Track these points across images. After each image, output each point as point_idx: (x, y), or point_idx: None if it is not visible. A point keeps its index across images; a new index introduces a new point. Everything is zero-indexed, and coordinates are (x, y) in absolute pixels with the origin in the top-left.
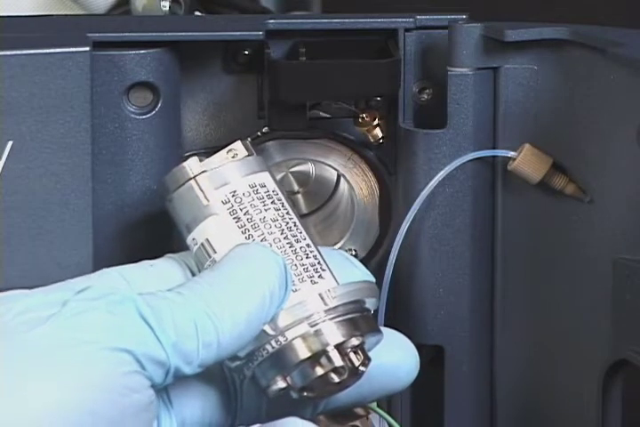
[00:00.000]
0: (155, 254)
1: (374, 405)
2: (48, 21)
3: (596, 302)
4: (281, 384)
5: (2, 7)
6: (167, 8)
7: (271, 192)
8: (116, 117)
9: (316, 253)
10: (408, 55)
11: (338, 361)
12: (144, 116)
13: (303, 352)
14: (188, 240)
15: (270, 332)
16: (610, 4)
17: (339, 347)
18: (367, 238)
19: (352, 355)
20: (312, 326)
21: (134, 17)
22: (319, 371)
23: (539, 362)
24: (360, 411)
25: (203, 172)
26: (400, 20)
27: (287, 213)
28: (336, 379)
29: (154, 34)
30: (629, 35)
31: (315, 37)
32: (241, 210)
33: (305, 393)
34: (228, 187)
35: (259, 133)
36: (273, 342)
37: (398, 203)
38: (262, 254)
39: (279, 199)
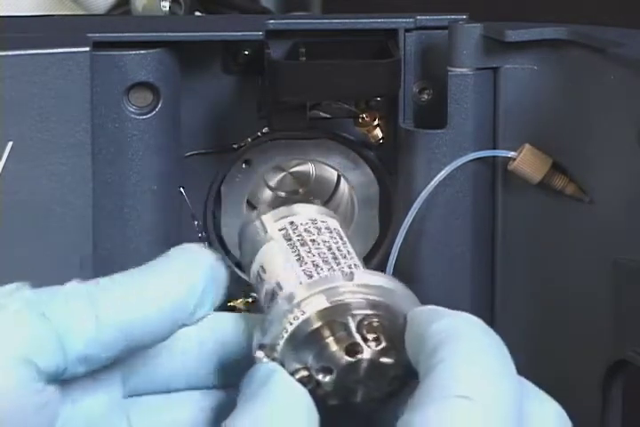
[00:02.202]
0: (155, 254)
1: None
2: (48, 21)
3: (595, 302)
4: (303, 373)
5: (2, 7)
6: (167, 8)
7: (332, 228)
8: (116, 117)
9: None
10: (408, 55)
11: (355, 336)
12: (144, 117)
13: (318, 323)
14: (252, 276)
15: (286, 306)
16: (610, 4)
17: (358, 325)
18: (367, 239)
19: (370, 337)
20: (330, 299)
21: (134, 17)
22: (333, 346)
23: (539, 362)
24: None
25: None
26: (400, 20)
27: (344, 243)
28: (352, 358)
29: (154, 34)
30: (629, 35)
31: (315, 38)
32: (294, 232)
33: (330, 392)
34: (287, 218)
35: (259, 133)
36: (291, 318)
37: (398, 203)
38: (186, 251)
39: (338, 233)
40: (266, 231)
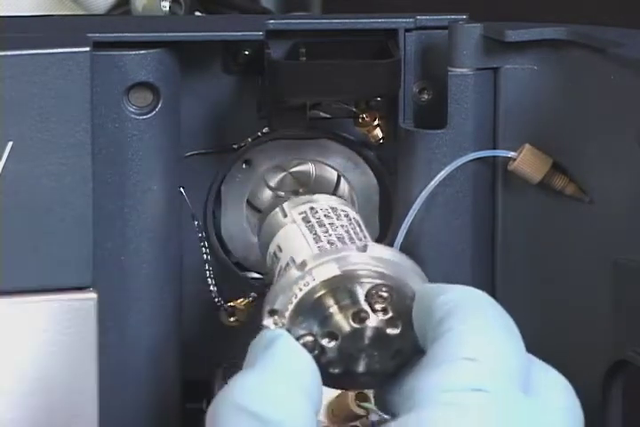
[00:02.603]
0: (154, 254)
1: (372, 404)
2: (48, 21)
3: (595, 302)
4: (308, 338)
5: (2, 7)
6: (167, 8)
7: (351, 217)
8: (116, 118)
9: None
10: (408, 55)
11: (363, 304)
12: (144, 117)
13: (327, 290)
14: (268, 258)
15: (298, 273)
16: (610, 4)
17: (367, 294)
18: None
19: (378, 307)
20: (341, 268)
21: (134, 17)
22: (341, 313)
23: None
24: (360, 411)
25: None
26: (400, 20)
27: (361, 230)
28: (358, 325)
29: (154, 34)
30: (629, 35)
31: (315, 38)
32: (313, 216)
33: (335, 365)
34: (308, 204)
35: (259, 133)
36: (302, 284)
37: (398, 203)
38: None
39: (357, 221)
40: (285, 215)
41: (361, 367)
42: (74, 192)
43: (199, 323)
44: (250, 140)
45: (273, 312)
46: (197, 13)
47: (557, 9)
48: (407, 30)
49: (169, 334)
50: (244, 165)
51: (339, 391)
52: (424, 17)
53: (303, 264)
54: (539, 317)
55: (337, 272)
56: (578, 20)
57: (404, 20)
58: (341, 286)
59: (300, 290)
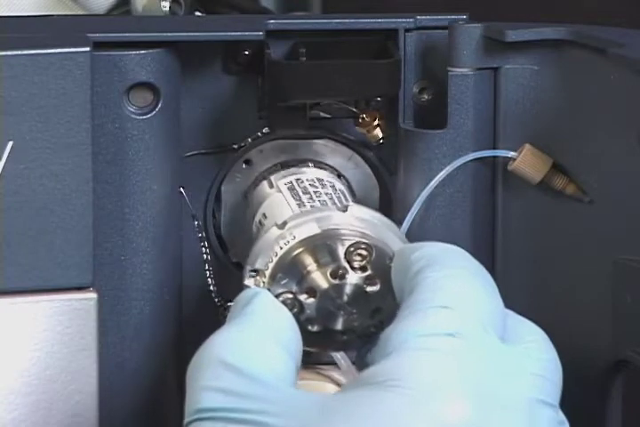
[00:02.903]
0: (154, 254)
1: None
2: (48, 21)
3: (595, 302)
4: (287, 295)
5: (2, 7)
6: (167, 8)
7: (337, 188)
8: (116, 118)
9: None
10: (408, 55)
11: (342, 261)
12: (144, 117)
13: (307, 247)
14: (254, 227)
15: (278, 232)
16: (610, 4)
17: (346, 251)
18: None
19: (357, 265)
20: (321, 226)
21: (134, 17)
22: (320, 269)
23: None
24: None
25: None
26: (400, 20)
27: (346, 199)
28: (337, 281)
29: (154, 34)
30: (629, 35)
31: (315, 37)
32: (298, 185)
33: (313, 323)
34: (295, 175)
35: (259, 134)
36: (282, 243)
37: (398, 203)
38: None
39: (342, 192)
40: (272, 186)
41: (340, 325)
42: (74, 192)
43: (199, 323)
44: (250, 140)
45: (254, 272)
46: (197, 13)
47: (557, 9)
48: (407, 30)
49: (169, 334)
50: (243, 165)
51: None
52: (424, 17)
53: (284, 224)
54: (538, 316)
55: (317, 231)
56: (578, 20)
57: (404, 20)
58: (321, 243)
59: (281, 249)
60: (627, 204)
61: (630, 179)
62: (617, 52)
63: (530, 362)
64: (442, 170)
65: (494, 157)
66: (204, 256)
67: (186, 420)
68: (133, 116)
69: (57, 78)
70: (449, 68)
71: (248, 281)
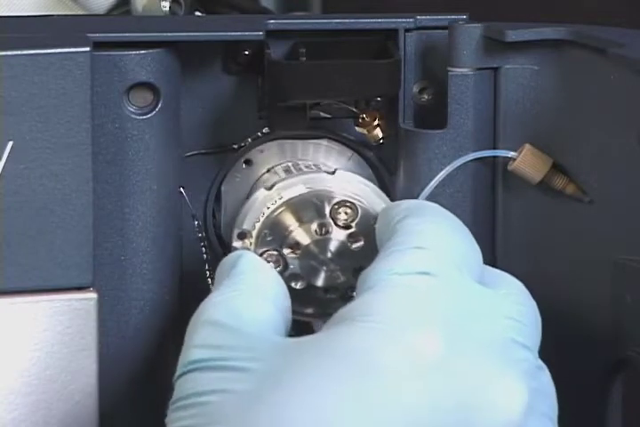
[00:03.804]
0: (154, 254)
1: None
2: (48, 21)
3: (596, 302)
4: (272, 251)
5: (2, 7)
6: (167, 8)
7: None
8: (116, 118)
9: None
10: (408, 55)
11: (327, 217)
12: (144, 117)
13: (293, 207)
14: None
15: (265, 193)
16: (610, 3)
17: (331, 210)
18: None
19: (341, 223)
20: (308, 187)
21: (134, 17)
22: (305, 226)
23: None
24: None
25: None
26: (400, 20)
27: None
28: (321, 236)
29: (154, 34)
30: (629, 35)
31: (315, 37)
32: (295, 167)
33: (298, 281)
34: (292, 162)
35: (259, 134)
36: (269, 204)
37: None
38: None
39: None
40: (269, 172)
41: (322, 282)
42: (74, 192)
43: None
44: (250, 140)
45: (241, 235)
46: (197, 13)
47: (557, 9)
48: (407, 30)
49: (169, 334)
50: (243, 165)
51: None
52: (424, 17)
53: (272, 186)
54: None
55: (304, 191)
56: (578, 20)
57: (404, 20)
58: (307, 201)
59: (268, 208)
60: (627, 204)
61: (630, 179)
62: (617, 52)
63: (507, 306)
64: (442, 170)
65: (494, 156)
66: (204, 256)
67: (175, 375)
68: (133, 116)
69: (57, 78)
70: (449, 68)
71: (236, 243)
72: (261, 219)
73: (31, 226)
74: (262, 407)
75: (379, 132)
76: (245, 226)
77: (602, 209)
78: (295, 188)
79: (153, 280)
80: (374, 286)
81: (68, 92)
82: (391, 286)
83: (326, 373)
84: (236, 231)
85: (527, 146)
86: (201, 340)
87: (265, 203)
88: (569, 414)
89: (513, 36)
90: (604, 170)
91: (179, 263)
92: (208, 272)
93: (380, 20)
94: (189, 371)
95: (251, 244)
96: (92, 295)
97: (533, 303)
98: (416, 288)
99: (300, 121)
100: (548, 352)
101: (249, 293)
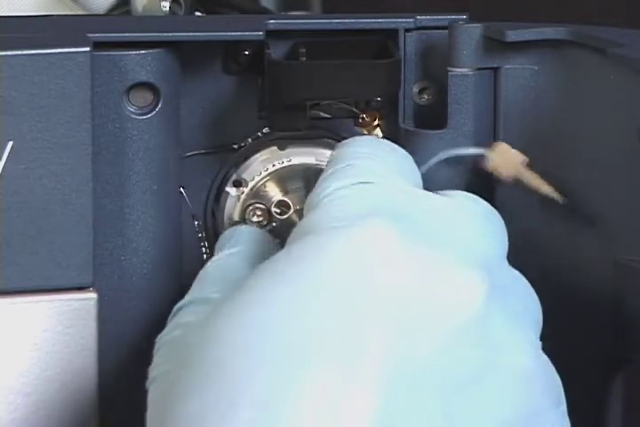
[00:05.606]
0: (154, 254)
1: None
2: (48, 21)
3: (596, 302)
4: (259, 206)
5: (2, 7)
6: (167, 8)
7: None
8: (116, 118)
9: None
10: (408, 55)
11: None
12: (144, 117)
13: (298, 169)
14: None
15: (278, 152)
16: (610, 4)
17: None
18: None
19: None
20: (318, 161)
21: (134, 17)
22: (297, 192)
23: None
24: None
25: None
26: (400, 20)
27: None
28: None
29: (154, 34)
30: (629, 35)
31: (315, 37)
32: None
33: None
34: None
35: (259, 134)
36: (276, 162)
37: None
38: None
39: None
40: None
41: None
42: (74, 192)
43: None
44: (250, 140)
45: (237, 183)
46: (197, 13)
47: (557, 9)
48: (407, 30)
49: None
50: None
51: None
52: (424, 17)
53: (284, 148)
54: None
55: (314, 162)
56: (578, 20)
57: (404, 20)
58: (312, 172)
59: (273, 166)
60: (627, 204)
61: (630, 179)
62: (617, 52)
63: (468, 217)
64: (441, 170)
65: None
66: (204, 256)
67: (169, 318)
68: (133, 116)
69: (57, 78)
70: (449, 68)
71: (229, 188)
72: (263, 173)
73: (31, 226)
74: (218, 318)
75: (379, 133)
76: (245, 175)
77: (602, 209)
78: (307, 158)
79: (153, 280)
80: (319, 203)
81: (67, 92)
82: (335, 198)
83: (282, 276)
84: (232, 178)
85: (500, 144)
86: (197, 292)
87: (273, 161)
88: (568, 413)
89: (513, 36)
90: (604, 170)
91: (179, 263)
92: None
93: (380, 20)
94: (179, 309)
95: (243, 193)
96: (92, 295)
97: (497, 215)
98: (359, 194)
99: (300, 121)
100: (548, 351)
101: (246, 255)
